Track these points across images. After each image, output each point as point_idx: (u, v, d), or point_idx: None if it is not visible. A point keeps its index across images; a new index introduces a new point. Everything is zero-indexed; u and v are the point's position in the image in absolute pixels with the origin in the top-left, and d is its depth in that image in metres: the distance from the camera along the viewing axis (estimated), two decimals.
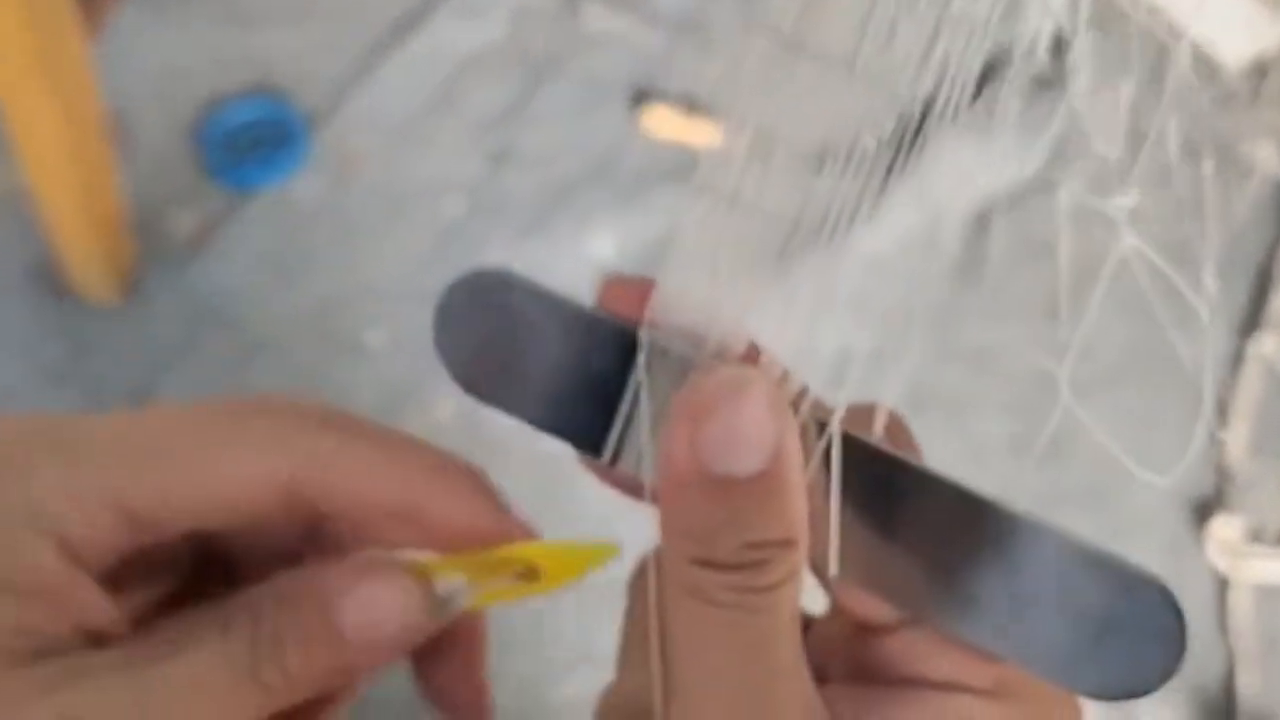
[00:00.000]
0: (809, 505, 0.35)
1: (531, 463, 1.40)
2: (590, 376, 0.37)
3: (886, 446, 0.36)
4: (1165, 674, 0.35)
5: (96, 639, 0.39)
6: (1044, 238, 1.15)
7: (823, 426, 0.36)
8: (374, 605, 0.40)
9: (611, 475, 0.39)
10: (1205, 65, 1.51)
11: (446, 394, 1.41)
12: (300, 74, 1.62)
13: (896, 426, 0.38)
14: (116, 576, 0.40)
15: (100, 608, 0.39)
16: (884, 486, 0.36)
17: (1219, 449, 1.45)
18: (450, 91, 1.65)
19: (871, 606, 0.38)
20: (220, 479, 0.40)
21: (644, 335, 0.37)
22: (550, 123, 1.64)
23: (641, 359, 0.37)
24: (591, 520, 1.37)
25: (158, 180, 1.53)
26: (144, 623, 0.42)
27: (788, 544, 0.34)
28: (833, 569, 0.36)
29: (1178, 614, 0.35)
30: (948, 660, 0.38)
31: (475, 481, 0.43)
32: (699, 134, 1.59)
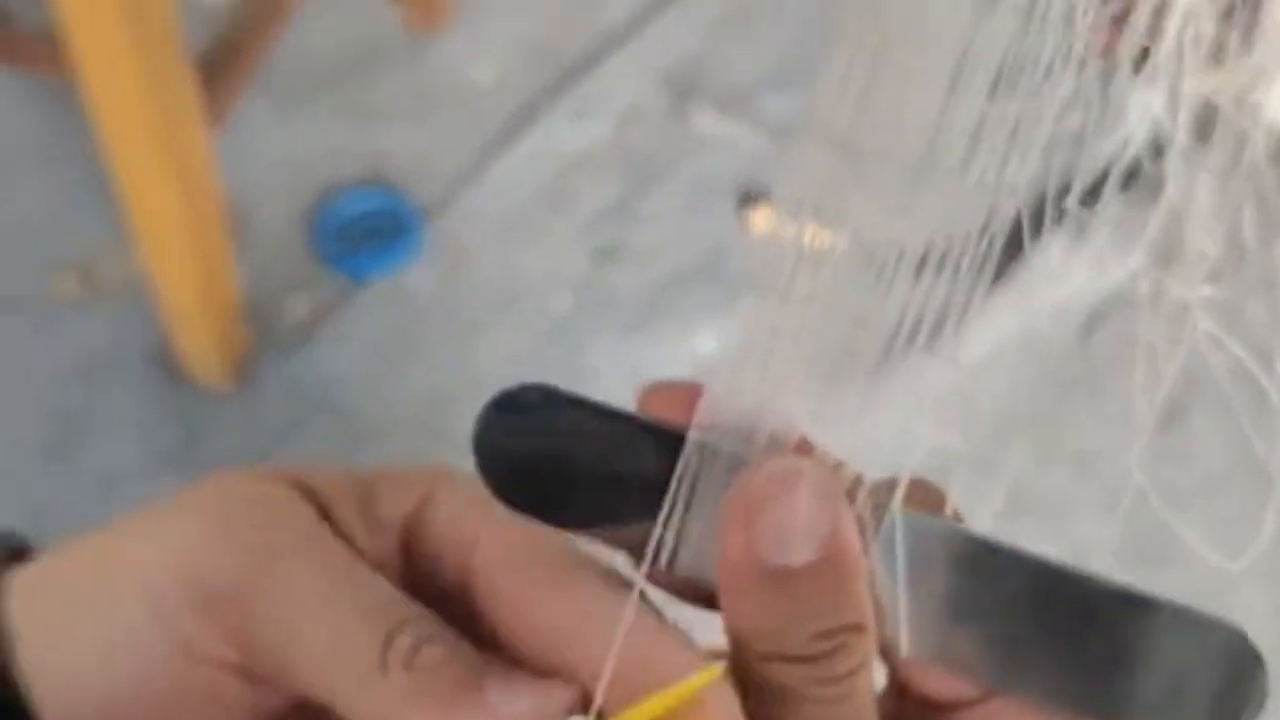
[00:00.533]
0: (874, 590, 0.35)
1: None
2: (641, 484, 0.36)
3: (949, 520, 0.36)
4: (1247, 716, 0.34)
5: None
6: (1146, 342, 1.14)
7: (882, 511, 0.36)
8: None
9: (671, 581, 0.37)
10: None
11: None
12: (415, 168, 1.65)
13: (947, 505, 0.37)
14: None
15: None
16: (951, 560, 0.35)
17: None
18: (560, 189, 1.67)
19: (944, 683, 0.37)
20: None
21: (691, 434, 0.36)
22: (657, 222, 1.66)
23: (683, 457, 0.36)
24: None
25: (273, 269, 1.56)
26: None
27: (857, 629, 0.34)
28: (905, 649, 0.36)
29: (1258, 660, 0.34)
30: None
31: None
32: (803, 234, 1.60)
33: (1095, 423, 1.44)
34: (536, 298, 1.58)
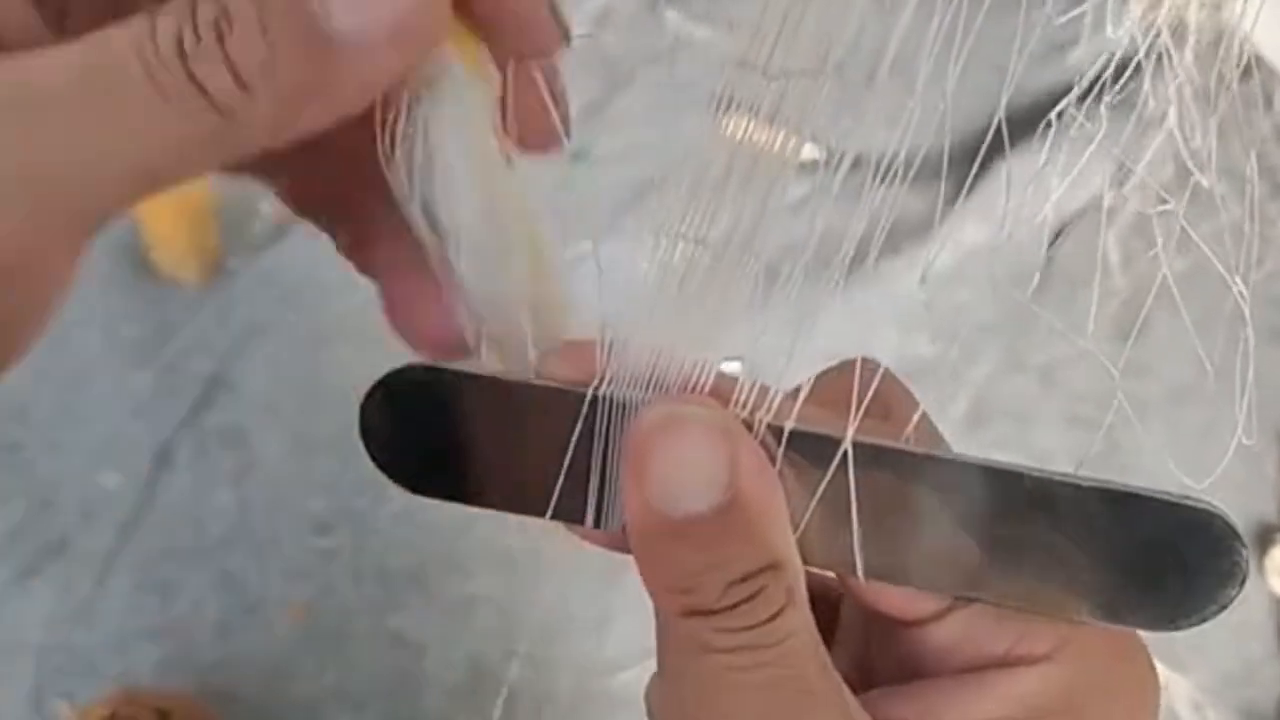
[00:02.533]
0: (815, 517, 0.34)
1: None
2: (550, 447, 0.35)
3: (882, 440, 0.35)
4: (1224, 593, 0.34)
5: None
6: (1112, 256, 1.15)
7: (818, 436, 0.34)
8: None
9: (598, 537, 0.37)
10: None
11: None
12: None
13: (893, 388, 0.36)
14: None
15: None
16: (894, 478, 0.34)
17: None
18: None
19: (908, 600, 0.36)
20: None
21: (593, 389, 0.35)
22: (629, 125, 1.66)
23: (584, 414, 0.35)
24: None
25: None
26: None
27: (775, 568, 0.32)
28: (860, 573, 0.35)
29: (1230, 531, 0.33)
30: (1000, 634, 0.35)
31: None
32: (774, 142, 1.60)
33: (1059, 334, 1.46)
34: None
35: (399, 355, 1.31)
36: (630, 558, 0.34)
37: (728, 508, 0.31)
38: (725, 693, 0.32)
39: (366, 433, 0.37)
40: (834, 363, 0.37)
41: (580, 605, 1.34)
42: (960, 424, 1.35)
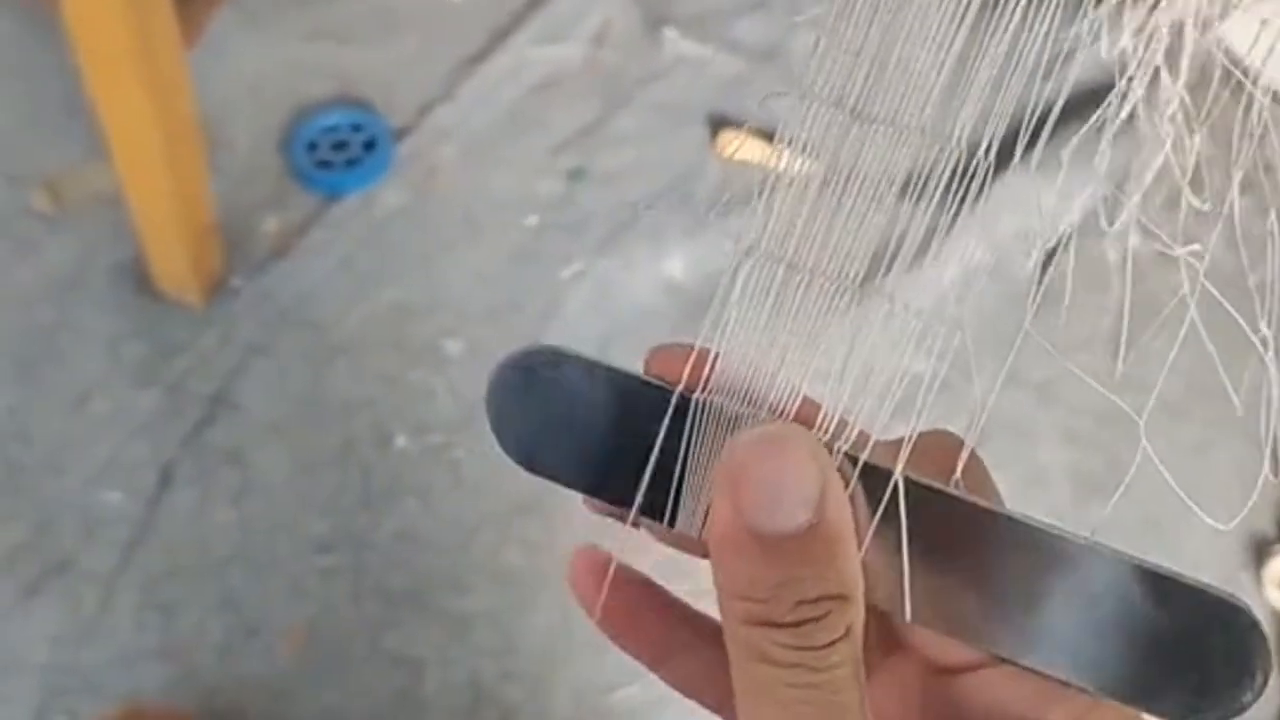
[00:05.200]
0: (877, 553, 0.35)
1: None
2: (645, 443, 0.37)
3: (948, 487, 0.35)
4: (1248, 693, 0.34)
5: None
6: (1109, 274, 1.16)
7: (886, 473, 0.35)
8: None
9: (671, 537, 0.38)
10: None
11: None
12: (387, 87, 1.65)
13: (971, 462, 0.37)
14: None
15: None
16: (949, 526, 0.35)
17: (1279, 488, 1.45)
18: (531, 110, 1.67)
19: (946, 648, 0.37)
20: None
21: (695, 398, 0.36)
22: (627, 144, 1.66)
23: (688, 418, 0.36)
24: None
25: (245, 185, 1.57)
26: None
27: (841, 599, 0.33)
28: (906, 615, 0.35)
29: (1256, 630, 0.34)
30: (1028, 696, 0.37)
31: None
32: (774, 160, 1.61)
33: (1056, 349, 1.45)
34: (506, 217, 1.59)
35: (399, 378, 1.30)
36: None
37: (813, 530, 0.33)
38: (770, 702, 0.34)
39: (490, 403, 0.39)
40: (832, 381, 0.38)
41: (579, 623, 1.35)
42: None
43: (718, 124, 1.67)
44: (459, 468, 1.40)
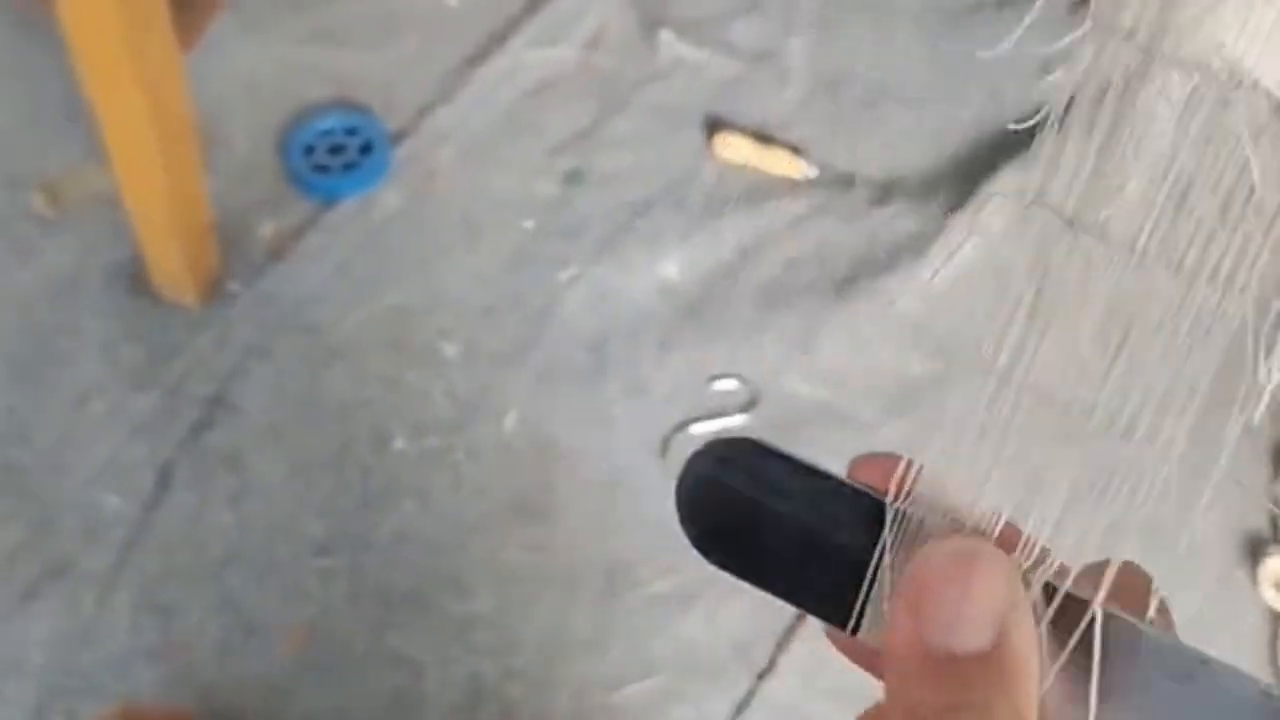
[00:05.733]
0: (1059, 690, 0.33)
1: (591, 477, 1.42)
2: (838, 548, 0.36)
3: (1144, 625, 0.34)
4: None
5: None
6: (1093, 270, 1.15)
7: (1082, 606, 0.33)
8: None
9: (854, 647, 0.36)
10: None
11: (512, 405, 1.44)
12: (384, 90, 1.66)
13: (1161, 608, 0.35)
14: None
15: None
16: (1140, 668, 0.33)
17: (1274, 487, 1.46)
18: (527, 113, 1.68)
19: None
20: None
21: (893, 506, 0.35)
22: (624, 147, 1.67)
23: (886, 532, 0.35)
24: (649, 529, 1.40)
25: (243, 188, 1.57)
26: None
27: None
28: None
29: None
30: None
31: None
32: (769, 162, 1.62)
33: (1050, 348, 1.45)
34: (503, 220, 1.60)
35: (397, 380, 1.31)
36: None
37: (993, 655, 0.31)
38: None
39: (681, 488, 0.37)
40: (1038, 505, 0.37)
41: (579, 622, 1.35)
42: (958, 440, 1.34)
43: (714, 126, 1.67)
44: (457, 469, 1.41)
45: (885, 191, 1.56)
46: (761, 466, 0.37)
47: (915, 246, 1.51)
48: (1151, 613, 0.34)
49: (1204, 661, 0.33)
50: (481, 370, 1.48)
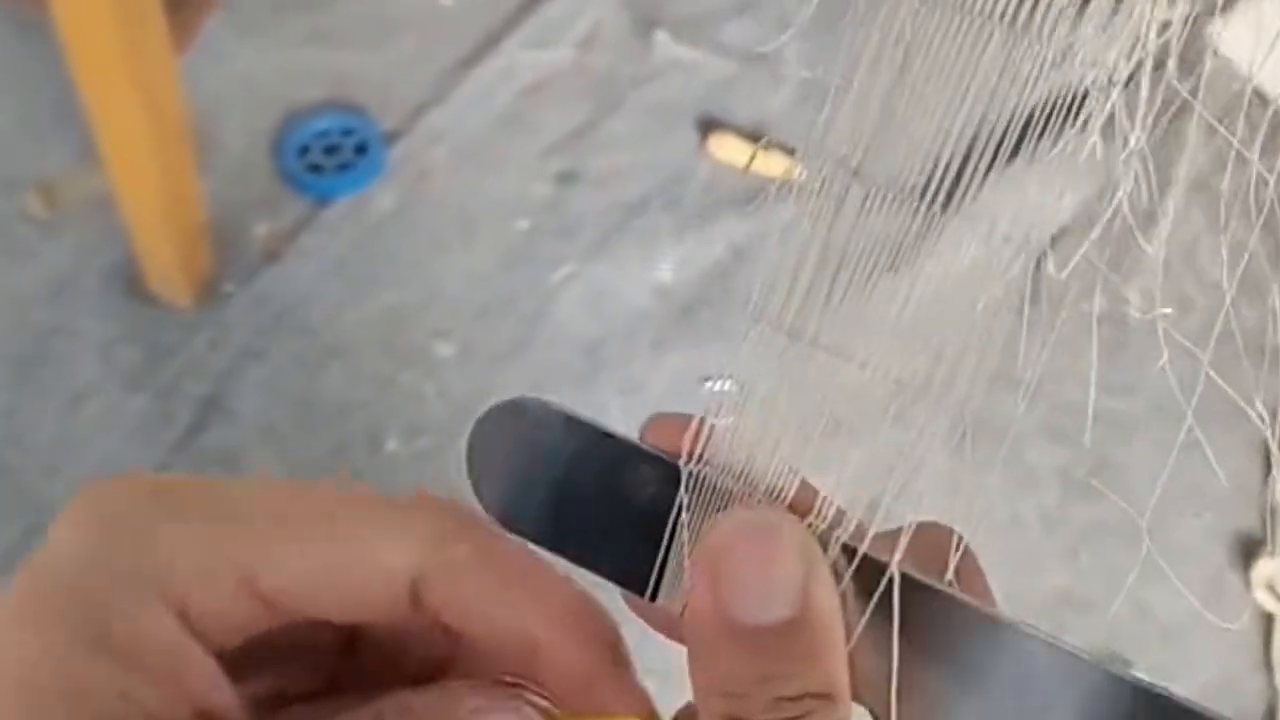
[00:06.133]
0: (867, 651, 0.33)
1: None
2: (633, 512, 0.35)
3: (943, 585, 0.34)
4: None
5: None
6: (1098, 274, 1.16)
7: (881, 567, 0.33)
8: None
9: (652, 613, 0.36)
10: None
11: None
12: (379, 90, 1.66)
13: (966, 560, 0.35)
14: (240, 662, 0.36)
15: (219, 690, 0.35)
16: (943, 627, 0.33)
17: (1267, 488, 1.46)
18: (521, 113, 1.68)
19: None
20: (350, 566, 0.36)
21: (687, 468, 0.34)
22: (618, 147, 1.67)
23: (681, 494, 0.34)
24: None
25: (238, 189, 1.57)
26: (266, 713, 0.37)
27: (825, 698, 0.32)
28: (893, 717, 0.33)
29: None
30: None
31: (602, 631, 0.38)
32: (763, 162, 1.62)
33: (1042, 349, 1.45)
34: (497, 220, 1.60)
35: (391, 380, 1.31)
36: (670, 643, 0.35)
37: (796, 624, 0.31)
38: None
39: (471, 453, 0.37)
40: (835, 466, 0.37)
41: None
42: (949, 442, 1.35)
43: (708, 126, 1.67)
44: (450, 470, 1.41)
45: (880, 191, 1.55)
46: (554, 429, 0.36)
47: (911, 246, 1.50)
48: (950, 574, 0.33)
49: (1001, 621, 0.33)
50: (476, 371, 1.48)
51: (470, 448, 0.36)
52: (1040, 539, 1.42)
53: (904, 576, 0.33)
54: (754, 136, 1.66)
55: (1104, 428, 1.41)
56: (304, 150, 1.60)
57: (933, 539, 0.34)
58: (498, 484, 0.37)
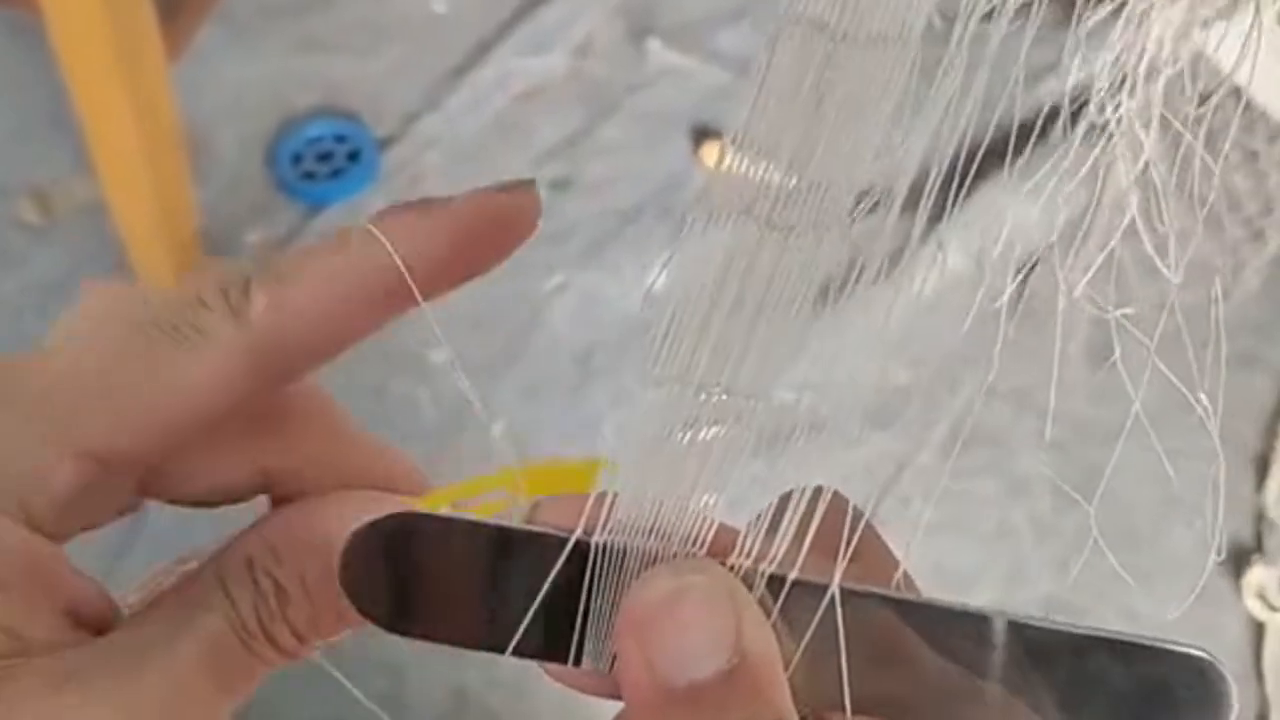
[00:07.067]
0: (809, 654, 0.33)
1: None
2: (533, 591, 0.34)
3: (888, 590, 0.34)
4: None
5: (84, 626, 0.35)
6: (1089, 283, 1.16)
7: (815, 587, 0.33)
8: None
9: (575, 677, 0.35)
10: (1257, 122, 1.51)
11: (499, 414, 1.44)
12: (372, 97, 1.66)
13: (866, 533, 0.34)
14: (69, 513, 0.35)
15: (78, 580, 0.35)
16: (881, 622, 0.33)
17: (1259, 497, 1.46)
18: (514, 121, 1.68)
19: None
20: (179, 387, 0.35)
21: (594, 541, 0.34)
22: (611, 155, 1.67)
23: (572, 561, 0.33)
24: None
25: (231, 197, 1.57)
26: None
27: None
28: (848, 714, 0.33)
29: (1222, 680, 0.34)
30: None
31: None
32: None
33: (1033, 359, 1.46)
34: None
35: (383, 388, 1.30)
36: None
37: (734, 672, 0.31)
38: None
39: (345, 570, 0.35)
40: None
41: None
42: (940, 451, 1.36)
43: (701, 134, 1.68)
44: (444, 478, 1.40)
45: (872, 200, 1.55)
46: (429, 538, 0.35)
47: (902, 256, 1.50)
48: (845, 547, 0.33)
49: (949, 609, 0.33)
50: (469, 378, 1.47)
51: (344, 565, 0.35)
52: (1031, 548, 1.42)
53: (814, 585, 0.33)
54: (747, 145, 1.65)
55: (1095, 436, 1.41)
56: (297, 157, 1.60)
57: (830, 513, 0.34)
58: (381, 598, 0.36)
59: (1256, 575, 1.43)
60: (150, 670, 0.34)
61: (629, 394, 1.48)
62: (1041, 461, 1.39)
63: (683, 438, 0.34)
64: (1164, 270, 0.32)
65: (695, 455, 0.33)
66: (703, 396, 0.33)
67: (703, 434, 0.33)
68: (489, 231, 0.39)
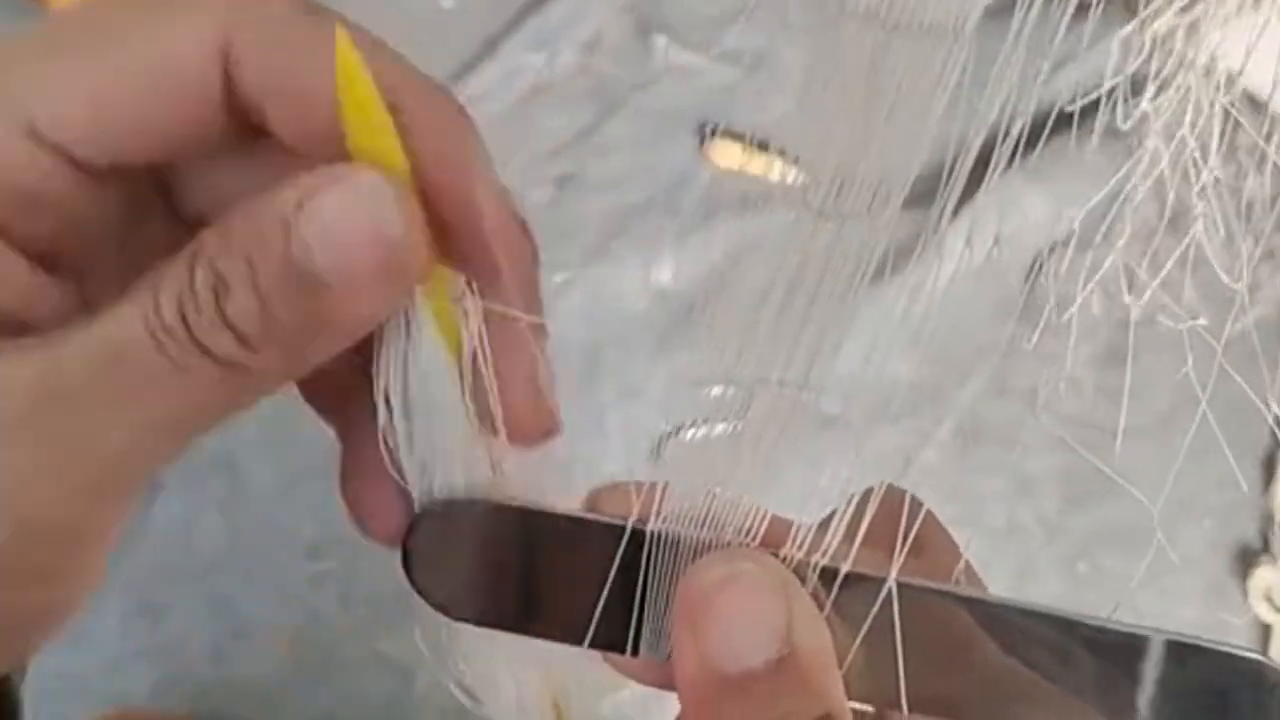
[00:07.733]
0: (864, 647, 0.33)
1: (582, 481, 1.42)
2: (592, 578, 0.35)
3: (944, 585, 0.34)
4: None
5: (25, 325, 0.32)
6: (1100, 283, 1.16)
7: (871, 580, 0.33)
8: (343, 215, 0.32)
9: (635, 666, 0.36)
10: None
11: None
12: None
13: (928, 524, 0.35)
14: (61, 236, 0.33)
15: (24, 284, 0.33)
16: (940, 617, 0.34)
17: (1266, 498, 1.45)
18: (521, 117, 1.67)
19: None
20: (149, 54, 0.32)
21: (649, 529, 0.34)
22: (618, 152, 1.67)
23: (634, 548, 0.34)
24: None
25: None
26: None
27: (828, 717, 0.32)
28: (904, 708, 0.34)
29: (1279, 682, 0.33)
30: None
31: (456, 107, 0.36)
32: (764, 167, 1.62)
33: (1044, 357, 1.45)
34: None
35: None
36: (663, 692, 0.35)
37: (784, 662, 0.31)
38: None
39: (408, 558, 0.37)
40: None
41: None
42: (949, 448, 1.36)
43: (708, 131, 1.67)
44: None
45: (881, 196, 1.55)
46: (492, 521, 0.36)
47: (911, 251, 1.50)
48: (903, 541, 0.33)
49: (1005, 606, 0.34)
50: None
51: (409, 549, 0.37)
52: (1040, 546, 1.42)
53: (869, 578, 0.34)
54: (755, 142, 1.65)
55: (1105, 435, 1.41)
56: None
57: (887, 508, 0.34)
58: (445, 584, 0.36)
59: (1263, 577, 1.42)
60: (76, 339, 0.31)
61: (635, 390, 1.48)
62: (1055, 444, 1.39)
63: (732, 429, 0.34)
64: (1224, 277, 0.32)
65: (747, 445, 0.34)
66: (754, 388, 0.34)
67: (752, 426, 0.34)
68: (474, 239, 0.38)
